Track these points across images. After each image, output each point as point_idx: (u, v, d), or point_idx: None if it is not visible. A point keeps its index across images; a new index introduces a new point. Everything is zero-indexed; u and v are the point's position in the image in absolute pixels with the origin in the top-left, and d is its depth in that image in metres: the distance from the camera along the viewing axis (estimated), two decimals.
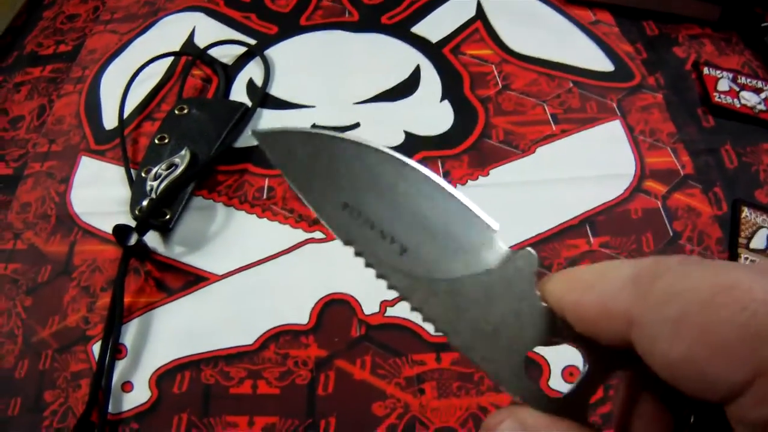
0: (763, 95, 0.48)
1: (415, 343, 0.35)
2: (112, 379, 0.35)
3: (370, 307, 0.37)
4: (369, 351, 0.35)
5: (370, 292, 0.37)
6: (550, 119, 0.45)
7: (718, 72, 0.49)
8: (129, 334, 0.37)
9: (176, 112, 0.44)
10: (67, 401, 0.36)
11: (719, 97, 0.47)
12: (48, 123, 0.48)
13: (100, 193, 0.43)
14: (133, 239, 0.38)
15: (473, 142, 0.43)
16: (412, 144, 0.43)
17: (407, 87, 0.46)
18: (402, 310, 0.37)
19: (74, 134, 0.47)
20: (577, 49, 0.50)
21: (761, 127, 0.46)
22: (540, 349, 0.34)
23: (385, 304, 0.37)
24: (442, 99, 0.46)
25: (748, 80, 0.49)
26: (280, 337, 0.36)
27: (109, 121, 0.47)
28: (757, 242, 0.41)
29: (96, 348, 0.37)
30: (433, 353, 0.35)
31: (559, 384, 0.34)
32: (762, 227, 0.41)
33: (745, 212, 0.42)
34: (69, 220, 0.42)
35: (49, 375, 0.37)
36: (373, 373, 0.35)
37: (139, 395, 0.35)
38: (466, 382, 0.34)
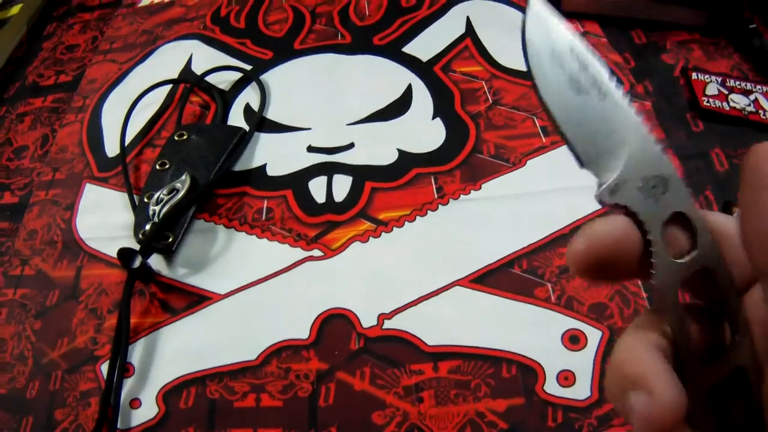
0: (752, 97, 0.49)
1: (412, 354, 0.37)
2: (121, 396, 0.37)
3: (368, 320, 0.38)
4: (368, 362, 0.36)
5: (368, 306, 0.38)
6: (540, 132, 0.46)
7: (707, 76, 0.50)
8: (136, 353, 0.39)
9: (176, 138, 0.46)
10: (77, 419, 0.37)
11: (708, 102, 0.48)
12: (51, 152, 0.50)
13: (105, 219, 0.45)
14: (137, 262, 0.39)
15: (465, 158, 0.45)
16: (405, 161, 0.45)
17: (400, 106, 0.48)
18: (399, 323, 0.38)
19: (77, 162, 0.48)
20: None
21: (751, 129, 0.46)
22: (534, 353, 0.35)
23: (382, 317, 0.38)
24: (434, 116, 0.47)
25: (737, 83, 0.50)
26: (282, 352, 0.37)
27: (111, 148, 0.49)
28: None
29: (104, 367, 0.38)
30: (431, 363, 0.36)
31: (554, 389, 0.35)
32: None
33: (736, 214, 0.43)
34: (75, 246, 0.44)
35: (59, 394, 0.38)
36: (373, 384, 0.36)
37: (147, 411, 0.36)
38: (463, 390, 0.35)
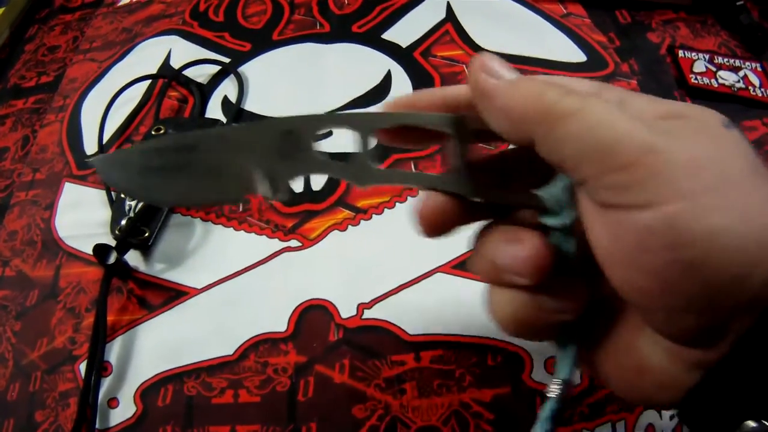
0: (741, 73, 0.48)
1: (393, 344, 0.35)
2: (99, 396, 0.36)
3: (347, 310, 0.37)
4: (347, 354, 0.35)
5: (347, 296, 0.37)
6: None
7: (694, 54, 0.49)
8: (114, 351, 0.38)
9: (153, 133, 0.45)
10: (57, 420, 0.36)
11: (696, 79, 0.47)
12: (32, 153, 0.49)
13: (83, 217, 0.44)
14: (112, 258, 0.38)
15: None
16: (384, 147, 0.43)
17: (378, 93, 0.47)
18: (379, 312, 0.37)
19: (57, 162, 0.48)
20: (548, 42, 0.50)
21: (741, 105, 0.46)
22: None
23: (362, 307, 0.37)
24: None
25: (725, 60, 0.49)
26: (260, 345, 0.36)
27: (91, 146, 0.48)
28: None
29: (83, 367, 0.37)
30: (412, 353, 0.35)
31: (543, 376, 0.33)
32: None
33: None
34: (54, 245, 0.43)
35: (39, 395, 0.37)
36: (353, 376, 0.35)
37: (125, 410, 0.36)
38: (447, 380, 0.34)
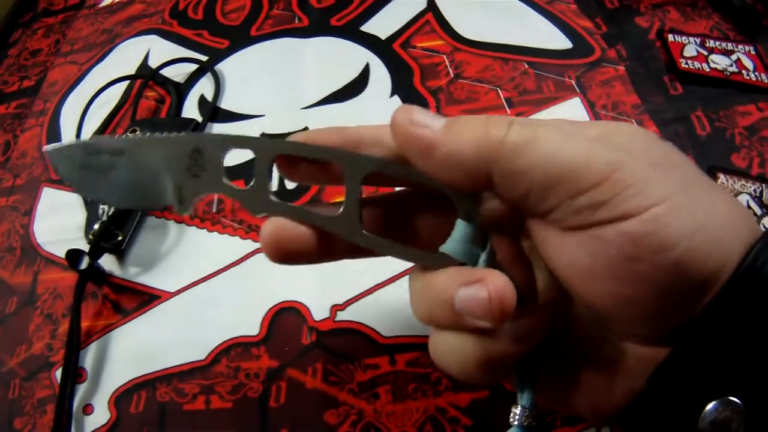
0: (734, 57, 0.46)
1: (367, 347, 0.34)
2: (74, 403, 0.36)
3: (320, 312, 0.36)
4: (320, 358, 0.34)
5: (320, 298, 0.36)
6: (505, 103, 0.44)
7: (684, 38, 0.47)
8: (88, 357, 0.38)
9: (129, 134, 0.44)
10: (35, 427, 0.36)
11: (686, 63, 0.45)
12: (13, 158, 0.49)
13: (61, 222, 0.44)
14: (84, 263, 0.38)
15: None
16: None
17: (357, 86, 0.46)
18: (353, 313, 0.36)
19: (36, 166, 0.48)
20: (532, 30, 0.48)
21: (734, 89, 0.44)
22: None
23: (335, 309, 0.36)
24: (392, 94, 0.45)
25: (717, 43, 0.47)
26: (232, 350, 0.36)
27: None
28: None
29: (59, 373, 0.37)
30: (387, 356, 0.34)
31: None
32: (741, 193, 0.39)
33: (721, 178, 0.40)
34: (32, 251, 0.43)
35: (17, 403, 0.37)
36: (325, 381, 0.34)
37: (99, 417, 0.35)
38: (422, 384, 0.33)
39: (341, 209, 0.20)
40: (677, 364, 0.17)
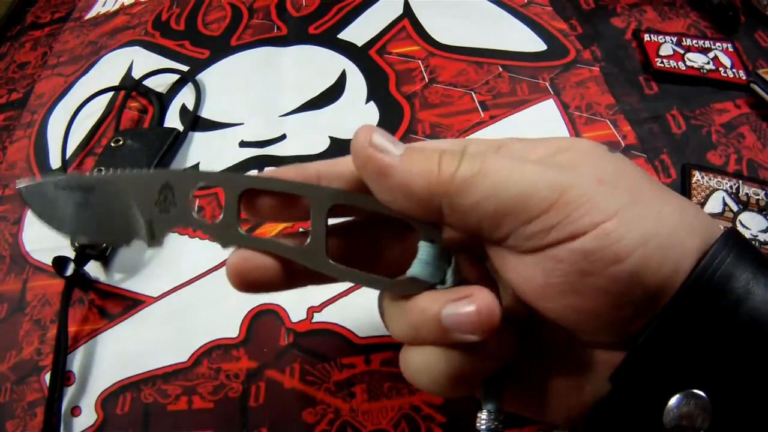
0: (711, 54, 0.46)
1: (343, 347, 0.36)
2: (62, 405, 0.37)
3: (297, 314, 0.37)
4: (297, 358, 0.36)
5: (297, 300, 0.37)
6: (478, 107, 0.45)
7: (660, 37, 0.48)
8: (76, 361, 0.39)
9: (112, 144, 0.46)
10: (25, 429, 0.37)
11: (662, 62, 0.46)
12: (1, 169, 0.50)
13: (48, 230, 0.45)
14: (70, 269, 0.39)
15: (398, 139, 0.43)
16: (338, 148, 0.44)
17: (333, 93, 0.47)
18: (329, 315, 0.37)
19: (24, 177, 0.49)
20: (507, 33, 0.49)
21: (711, 87, 0.44)
22: None
23: (312, 310, 0.37)
24: (368, 100, 0.46)
25: (694, 41, 0.47)
26: (213, 352, 0.37)
27: (55, 160, 0.49)
28: (712, 206, 0.39)
29: (48, 377, 0.38)
30: (362, 356, 0.35)
31: None
32: (717, 190, 0.40)
33: (696, 176, 0.40)
34: (21, 259, 0.44)
35: (9, 406, 0.38)
36: (303, 381, 0.35)
37: (86, 419, 0.36)
38: (397, 383, 0.34)
39: (308, 240, 0.21)
40: (636, 362, 0.18)
